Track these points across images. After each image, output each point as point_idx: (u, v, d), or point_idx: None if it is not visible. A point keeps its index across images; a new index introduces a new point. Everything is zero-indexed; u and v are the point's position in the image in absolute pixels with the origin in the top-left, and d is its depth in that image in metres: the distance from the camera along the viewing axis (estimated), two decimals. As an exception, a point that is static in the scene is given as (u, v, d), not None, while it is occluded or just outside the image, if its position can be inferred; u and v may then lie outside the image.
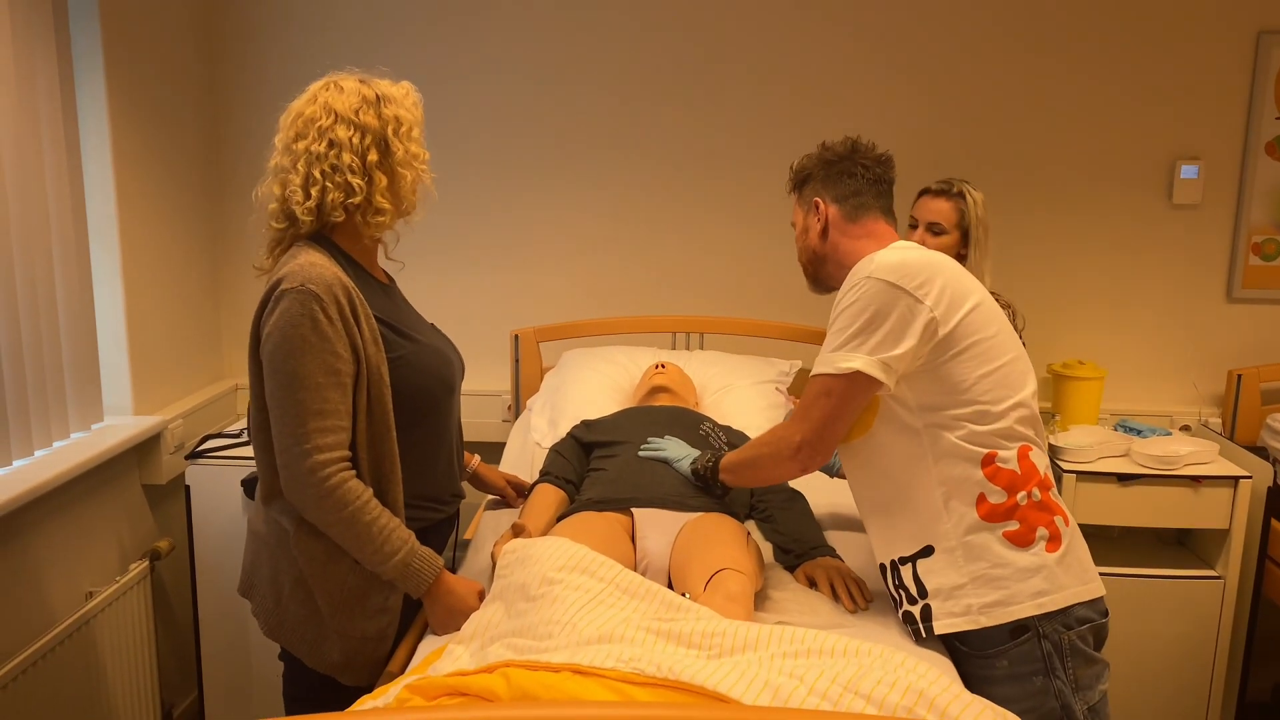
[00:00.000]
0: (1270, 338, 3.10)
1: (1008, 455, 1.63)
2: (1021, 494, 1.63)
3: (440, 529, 1.94)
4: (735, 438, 2.32)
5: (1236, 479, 2.66)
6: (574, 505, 2.02)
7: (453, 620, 1.75)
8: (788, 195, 1.91)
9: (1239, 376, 3.03)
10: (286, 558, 1.77)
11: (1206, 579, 2.74)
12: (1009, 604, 1.61)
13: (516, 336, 2.97)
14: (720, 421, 2.42)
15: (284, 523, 1.75)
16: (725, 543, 1.79)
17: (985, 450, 1.62)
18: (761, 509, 2.14)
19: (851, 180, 1.80)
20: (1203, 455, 2.73)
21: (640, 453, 1.99)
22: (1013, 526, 1.62)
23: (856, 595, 1.82)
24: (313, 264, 1.68)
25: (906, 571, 1.69)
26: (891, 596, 1.75)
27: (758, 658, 1.32)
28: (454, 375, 1.89)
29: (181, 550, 2.87)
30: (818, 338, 3.00)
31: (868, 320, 1.59)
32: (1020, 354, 1.70)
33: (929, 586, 1.67)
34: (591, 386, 2.68)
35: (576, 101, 3.07)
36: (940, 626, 1.65)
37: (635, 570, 1.87)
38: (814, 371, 1.65)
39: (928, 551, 1.66)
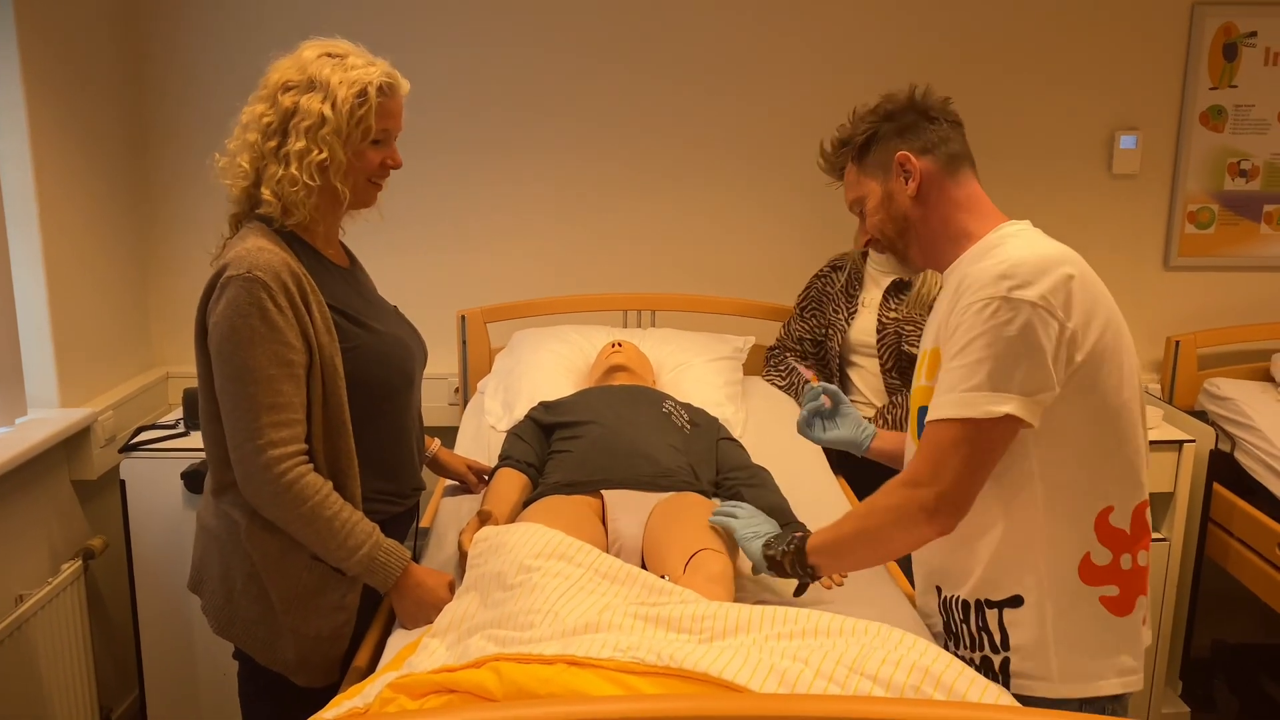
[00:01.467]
0: (1205, 304, 3.18)
1: (1123, 511, 1.44)
2: (1125, 556, 1.44)
3: (400, 521, 1.87)
4: (698, 416, 2.29)
5: (1181, 443, 2.72)
6: (540, 489, 1.96)
7: (423, 613, 1.68)
8: (827, 172, 1.65)
9: (1177, 343, 3.10)
10: (238, 553, 1.69)
11: (1153, 541, 2.80)
12: (1095, 679, 1.45)
13: (463, 317, 2.89)
14: (680, 399, 2.38)
15: (235, 516, 1.67)
16: (700, 523, 1.76)
17: (1103, 504, 1.43)
18: (728, 487, 2.12)
19: (934, 127, 1.52)
20: (1147, 421, 2.78)
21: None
22: (1112, 592, 1.44)
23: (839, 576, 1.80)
24: (260, 249, 1.59)
25: (992, 617, 1.48)
26: (969, 636, 1.53)
27: (753, 640, 1.29)
28: (414, 366, 1.82)
29: (117, 548, 2.74)
30: (770, 312, 2.98)
31: (1016, 351, 1.33)
32: (1136, 375, 1.47)
33: (1013, 640, 1.46)
34: (546, 368, 2.62)
35: (521, 72, 2.99)
36: (1018, 686, 1.47)
37: (608, 553, 1.82)
38: (942, 415, 1.38)
39: (1016, 602, 1.46)
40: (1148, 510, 1.47)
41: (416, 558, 1.97)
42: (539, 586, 1.48)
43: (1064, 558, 1.42)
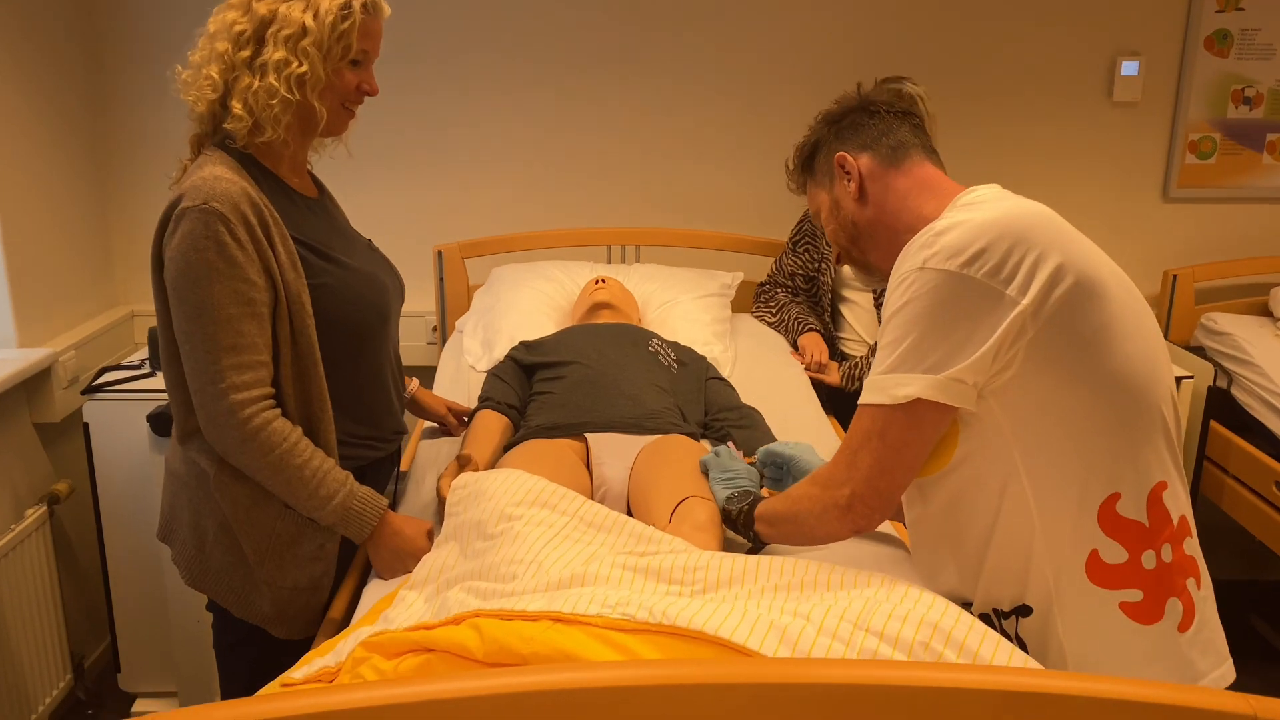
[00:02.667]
0: (1204, 237, 3.10)
1: (1134, 498, 1.21)
2: (1148, 554, 1.21)
3: (380, 467, 1.78)
4: (685, 354, 2.20)
5: (1179, 379, 2.66)
6: (521, 432, 1.88)
7: (401, 564, 1.61)
8: (795, 191, 1.54)
9: (1174, 277, 3.02)
10: (208, 501, 1.61)
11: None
12: None
13: (440, 253, 2.77)
14: (667, 338, 2.30)
15: (203, 463, 1.58)
16: (687, 467, 1.68)
17: (1105, 492, 1.20)
18: (717, 428, 2.04)
19: (875, 121, 1.41)
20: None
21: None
22: (1133, 596, 1.21)
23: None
24: (217, 178, 1.47)
25: (1008, 627, 1.29)
26: None
27: (748, 592, 1.22)
28: (388, 301, 1.71)
29: (83, 493, 2.64)
30: (760, 247, 2.88)
31: (926, 326, 1.19)
32: (1152, 331, 1.26)
33: (1031, 652, 1.26)
34: (526, 305, 2.52)
35: (502, 1, 2.84)
36: None
37: (593, 500, 1.75)
38: (861, 400, 1.27)
39: (1025, 611, 1.27)
40: (1166, 493, 1.22)
41: (395, 503, 1.89)
42: (521, 535, 1.40)
43: (1066, 558, 1.21)
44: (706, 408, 2.10)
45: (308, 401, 1.57)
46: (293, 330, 1.54)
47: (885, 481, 1.26)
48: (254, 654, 1.72)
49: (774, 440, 1.95)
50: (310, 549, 1.62)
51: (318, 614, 1.68)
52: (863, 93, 1.46)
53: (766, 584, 1.23)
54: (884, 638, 1.05)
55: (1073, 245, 1.21)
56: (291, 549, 1.61)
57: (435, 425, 2.15)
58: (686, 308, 2.55)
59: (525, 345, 2.19)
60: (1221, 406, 2.75)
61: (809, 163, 1.49)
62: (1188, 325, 3.03)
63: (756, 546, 1.54)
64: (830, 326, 2.63)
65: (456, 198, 2.96)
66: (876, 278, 1.45)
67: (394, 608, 1.40)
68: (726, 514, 1.57)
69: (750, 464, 1.72)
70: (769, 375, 2.42)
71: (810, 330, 2.60)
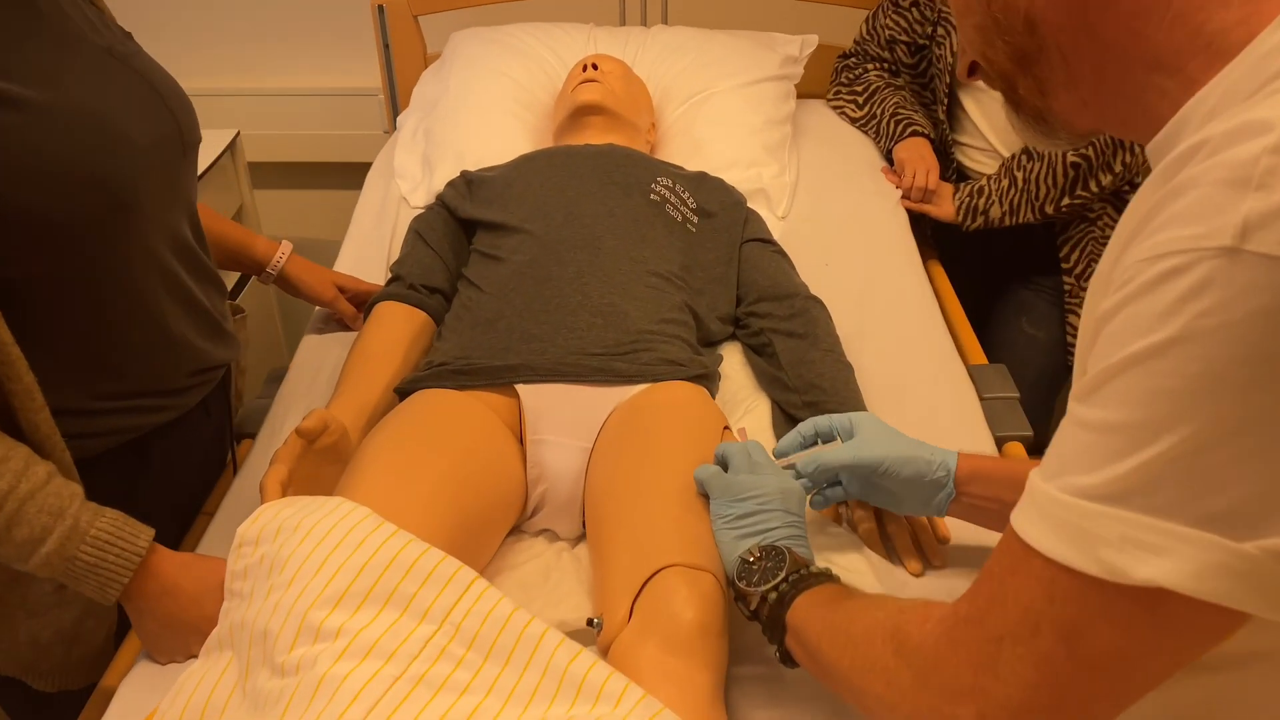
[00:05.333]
0: None
1: None
2: None
3: (186, 428, 1.10)
4: (712, 196, 1.41)
5: None
6: (414, 376, 1.14)
7: (177, 640, 0.95)
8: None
9: None
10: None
11: None
12: None
13: (381, 7, 1.92)
14: (687, 167, 1.48)
15: None
16: (682, 471, 0.95)
17: None
18: (753, 333, 1.28)
19: None
20: None
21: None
22: None
23: (928, 543, 1.02)
24: None
25: None
26: None
27: None
28: (130, 170, 0.94)
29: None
30: (844, -3, 1.95)
31: (1229, 414, 0.48)
32: None
33: None
34: (486, 99, 1.69)
35: None
36: None
37: (525, 508, 1.05)
38: (1022, 532, 0.56)
39: None
40: None
41: (236, 465, 1.22)
42: (327, 687, 0.72)
43: None
44: (740, 291, 1.34)
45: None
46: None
47: (1058, 706, 0.56)
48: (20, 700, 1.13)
49: (842, 370, 1.20)
50: (43, 592, 0.98)
51: (90, 661, 1.07)
52: None
53: None
54: None
55: None
56: (10, 595, 0.97)
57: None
58: (725, 104, 1.69)
59: (466, 180, 1.42)
60: None
61: None
62: None
63: (785, 661, 0.83)
64: (944, 127, 1.76)
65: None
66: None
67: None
68: (740, 595, 0.85)
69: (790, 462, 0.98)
70: (844, 214, 1.62)
71: (914, 133, 1.74)
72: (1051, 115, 0.68)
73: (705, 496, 0.92)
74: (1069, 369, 1.76)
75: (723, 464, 0.94)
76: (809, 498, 0.97)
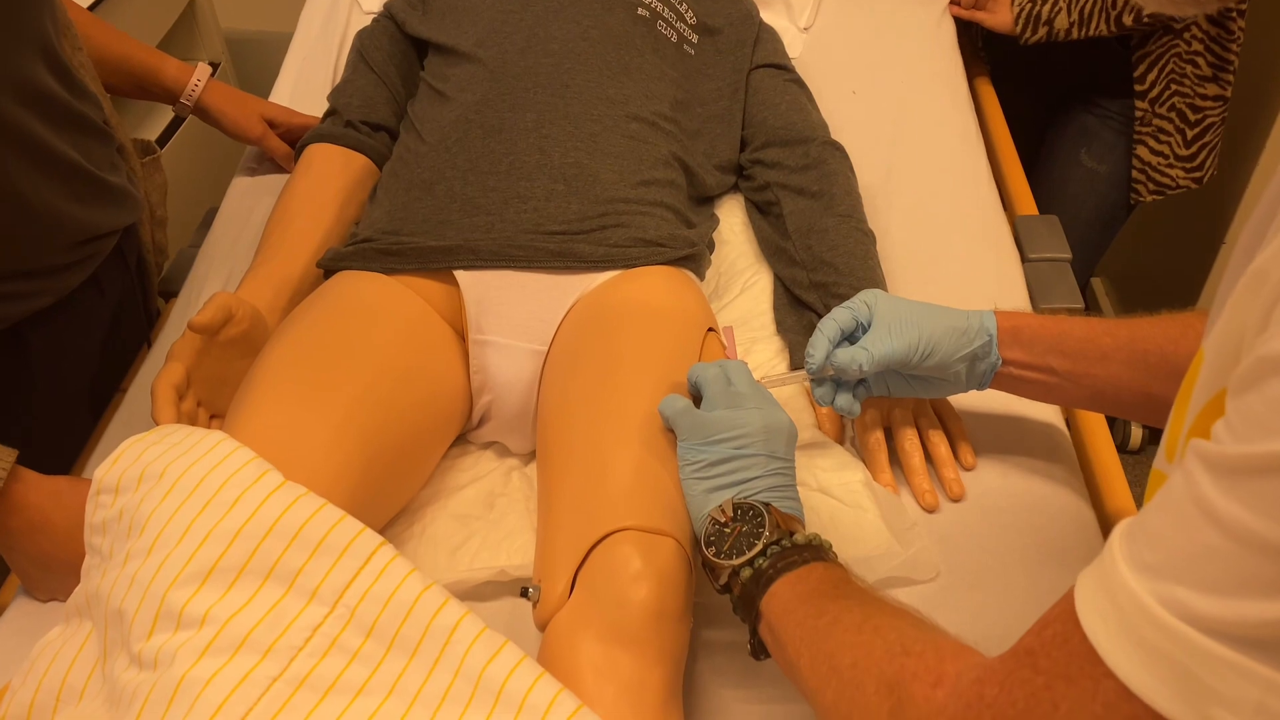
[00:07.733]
0: None
1: None
2: None
3: (74, 311, 0.93)
4: (716, 11, 1.15)
5: None
6: (342, 250, 0.93)
7: (55, 579, 0.81)
8: None
9: None
10: None
11: None
12: None
13: None
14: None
15: None
16: (652, 400, 0.76)
17: None
18: (757, 186, 1.07)
19: None
20: None
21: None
22: None
23: (950, 469, 0.84)
24: None
25: None
26: None
27: None
28: None
29: None
30: None
31: None
32: None
33: None
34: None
35: None
36: None
37: (470, 417, 0.88)
38: (1085, 623, 0.39)
39: None
40: None
41: (151, 322, 1.06)
42: (188, 691, 0.59)
43: None
44: (746, 132, 1.11)
45: None
46: None
47: None
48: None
49: (861, 240, 0.99)
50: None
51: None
52: None
53: None
54: None
55: None
56: None
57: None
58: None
59: (418, -13, 1.16)
60: None
61: None
62: None
63: (757, 653, 0.68)
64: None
65: None
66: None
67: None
68: (708, 565, 0.69)
69: (776, 378, 0.79)
70: (879, 24, 1.36)
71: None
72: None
73: (669, 431, 0.74)
74: (1130, 207, 1.54)
75: (696, 392, 0.75)
76: (819, 394, 0.78)
